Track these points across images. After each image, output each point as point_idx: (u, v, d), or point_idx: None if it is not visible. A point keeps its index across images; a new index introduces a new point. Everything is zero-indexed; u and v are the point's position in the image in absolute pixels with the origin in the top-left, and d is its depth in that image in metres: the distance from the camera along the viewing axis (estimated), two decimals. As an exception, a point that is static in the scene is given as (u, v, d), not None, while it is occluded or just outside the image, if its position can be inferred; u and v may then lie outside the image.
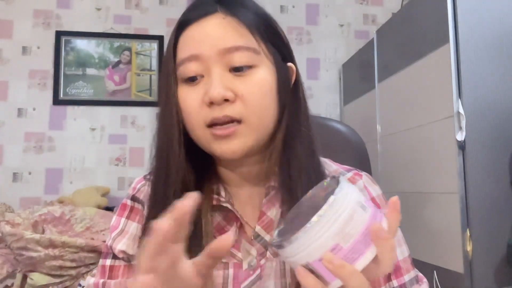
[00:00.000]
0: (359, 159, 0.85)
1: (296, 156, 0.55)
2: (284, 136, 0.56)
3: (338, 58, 2.76)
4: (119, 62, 2.55)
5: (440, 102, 1.55)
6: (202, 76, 0.53)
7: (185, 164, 0.54)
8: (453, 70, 1.47)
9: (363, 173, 0.62)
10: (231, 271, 0.55)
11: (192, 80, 0.53)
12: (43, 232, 1.75)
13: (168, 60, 0.56)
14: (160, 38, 2.59)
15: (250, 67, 0.53)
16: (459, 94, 1.46)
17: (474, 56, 1.47)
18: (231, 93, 0.51)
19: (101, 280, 0.57)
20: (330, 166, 0.62)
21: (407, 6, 1.89)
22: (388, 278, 0.56)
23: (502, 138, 1.44)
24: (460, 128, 1.44)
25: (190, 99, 0.53)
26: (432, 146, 1.61)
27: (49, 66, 2.48)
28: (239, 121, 0.52)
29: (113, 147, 2.49)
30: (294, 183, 0.54)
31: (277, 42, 0.57)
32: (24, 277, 1.71)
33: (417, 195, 1.71)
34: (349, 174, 0.61)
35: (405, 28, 1.86)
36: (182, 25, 0.55)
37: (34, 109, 2.44)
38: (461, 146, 1.44)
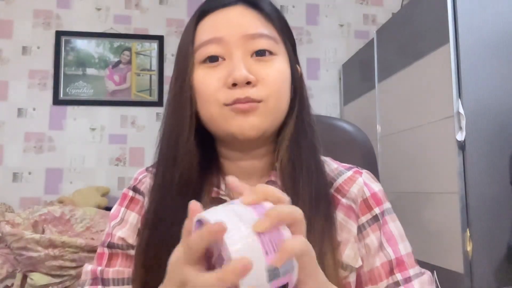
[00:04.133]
0: (365, 157, 0.85)
1: (300, 155, 0.56)
2: (292, 131, 0.57)
3: (338, 58, 2.76)
4: (119, 62, 2.55)
5: (440, 102, 1.55)
6: (223, 59, 0.54)
7: (193, 147, 0.55)
8: (453, 70, 1.47)
9: (364, 171, 0.62)
10: None
11: (212, 61, 0.54)
12: (43, 232, 1.75)
13: (185, 44, 0.56)
14: (160, 38, 2.59)
15: (271, 53, 0.55)
16: (459, 94, 1.46)
17: (474, 56, 1.47)
18: (253, 76, 0.52)
19: (99, 268, 0.57)
20: (331, 164, 0.63)
21: (407, 6, 1.89)
22: (391, 272, 0.56)
23: (502, 138, 1.44)
24: (460, 128, 1.44)
25: (209, 79, 0.53)
26: (432, 146, 1.61)
27: (49, 66, 2.48)
28: (259, 102, 0.53)
29: (113, 147, 2.49)
30: (297, 180, 0.55)
31: (290, 37, 0.61)
32: (24, 277, 1.71)
33: (417, 195, 1.71)
34: (349, 173, 0.61)
35: (405, 28, 1.86)
36: (203, 13, 0.56)
37: (34, 109, 2.44)
38: (461, 146, 1.44)
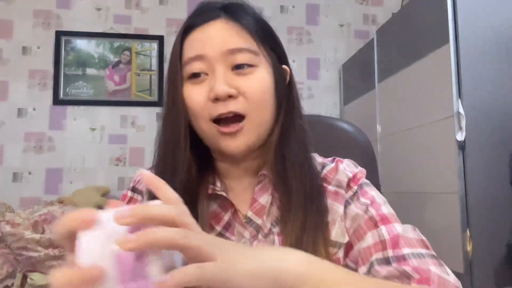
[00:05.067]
0: (365, 157, 0.85)
1: (291, 150, 0.59)
2: (280, 132, 0.61)
3: (338, 58, 2.76)
4: (119, 62, 2.55)
5: (440, 102, 1.55)
6: (207, 74, 0.58)
7: (190, 156, 0.58)
8: (453, 70, 1.47)
9: (345, 160, 0.66)
10: None
11: (196, 76, 0.58)
12: (43, 232, 1.75)
13: (174, 60, 0.60)
14: (160, 38, 2.59)
15: (250, 66, 0.58)
16: (459, 94, 1.46)
17: (474, 56, 1.47)
18: (234, 89, 0.56)
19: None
20: (317, 159, 0.66)
21: (407, 6, 1.89)
22: (375, 226, 0.57)
23: (502, 138, 1.44)
24: (460, 128, 1.44)
25: (195, 94, 0.57)
26: (432, 146, 1.61)
27: (49, 66, 2.48)
28: (242, 116, 0.56)
29: (113, 147, 2.49)
30: (288, 174, 0.58)
31: (274, 45, 0.63)
32: (24, 277, 1.71)
33: (417, 195, 1.71)
34: (332, 164, 0.64)
35: (405, 28, 1.86)
36: (188, 29, 0.60)
37: (34, 109, 2.44)
38: (461, 146, 1.44)
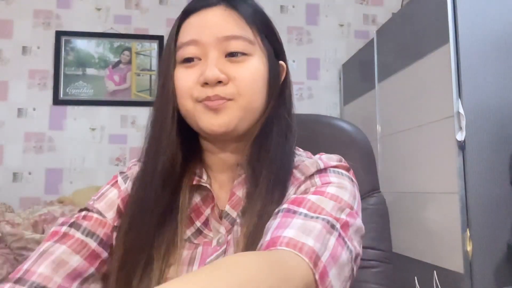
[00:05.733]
0: (365, 157, 0.85)
1: (269, 143, 0.58)
2: (263, 124, 0.59)
3: (338, 58, 2.76)
4: (119, 62, 2.55)
5: (440, 102, 1.55)
6: (199, 59, 0.57)
7: (176, 139, 0.58)
8: (453, 70, 1.47)
9: (334, 155, 0.62)
10: (200, 249, 0.58)
11: (188, 61, 0.57)
12: (43, 232, 1.75)
13: (169, 43, 0.60)
14: (160, 38, 2.59)
15: (244, 54, 0.57)
16: (459, 94, 1.46)
17: (474, 56, 1.47)
18: (224, 75, 0.55)
19: (68, 225, 0.57)
20: (301, 154, 0.64)
21: (407, 6, 1.89)
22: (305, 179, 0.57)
23: (502, 138, 1.44)
24: (460, 128, 1.44)
25: (186, 77, 0.57)
26: (432, 146, 1.61)
27: (49, 66, 2.48)
28: (229, 100, 0.55)
29: (113, 147, 2.50)
30: (260, 165, 0.57)
31: (271, 38, 0.62)
32: (24, 277, 1.71)
33: (417, 195, 1.71)
34: (316, 156, 0.62)
35: (405, 28, 1.86)
36: (186, 13, 0.60)
37: (34, 109, 2.44)
38: (461, 146, 1.44)
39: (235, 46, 0.56)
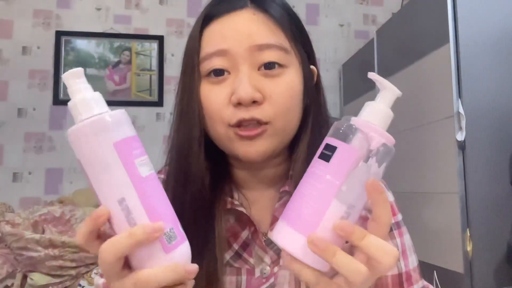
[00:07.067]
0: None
1: (309, 157, 0.54)
2: (309, 140, 0.53)
3: (338, 58, 2.76)
4: (119, 62, 2.55)
5: (440, 102, 1.55)
6: (229, 73, 0.50)
7: (204, 163, 0.52)
8: (453, 70, 1.47)
9: None
10: (244, 277, 0.54)
11: (217, 75, 0.50)
12: (43, 232, 1.75)
13: (191, 54, 0.52)
14: (160, 38, 2.59)
15: (280, 66, 0.50)
16: (459, 94, 1.46)
17: (474, 56, 1.47)
18: (260, 94, 0.49)
19: None
20: None
21: (407, 6, 1.89)
22: (400, 285, 0.55)
23: (502, 138, 1.44)
24: (460, 128, 1.44)
25: (214, 96, 0.50)
26: (432, 146, 1.61)
27: (49, 66, 2.48)
28: (265, 123, 0.49)
29: (113, 147, 2.49)
30: None
31: (305, 42, 0.55)
32: (24, 277, 1.71)
33: (417, 195, 1.71)
34: None
35: (405, 28, 1.86)
36: (208, 18, 0.52)
37: (34, 109, 2.44)
38: (461, 146, 1.44)
39: (269, 56, 0.49)
